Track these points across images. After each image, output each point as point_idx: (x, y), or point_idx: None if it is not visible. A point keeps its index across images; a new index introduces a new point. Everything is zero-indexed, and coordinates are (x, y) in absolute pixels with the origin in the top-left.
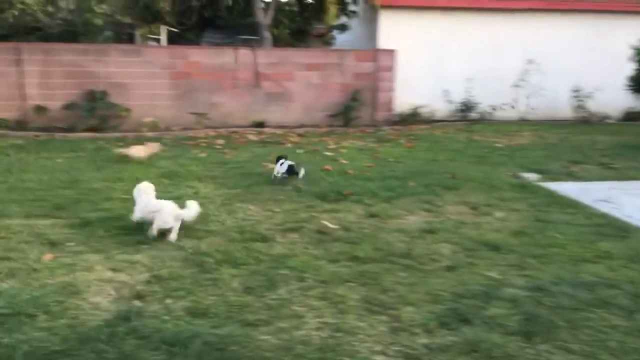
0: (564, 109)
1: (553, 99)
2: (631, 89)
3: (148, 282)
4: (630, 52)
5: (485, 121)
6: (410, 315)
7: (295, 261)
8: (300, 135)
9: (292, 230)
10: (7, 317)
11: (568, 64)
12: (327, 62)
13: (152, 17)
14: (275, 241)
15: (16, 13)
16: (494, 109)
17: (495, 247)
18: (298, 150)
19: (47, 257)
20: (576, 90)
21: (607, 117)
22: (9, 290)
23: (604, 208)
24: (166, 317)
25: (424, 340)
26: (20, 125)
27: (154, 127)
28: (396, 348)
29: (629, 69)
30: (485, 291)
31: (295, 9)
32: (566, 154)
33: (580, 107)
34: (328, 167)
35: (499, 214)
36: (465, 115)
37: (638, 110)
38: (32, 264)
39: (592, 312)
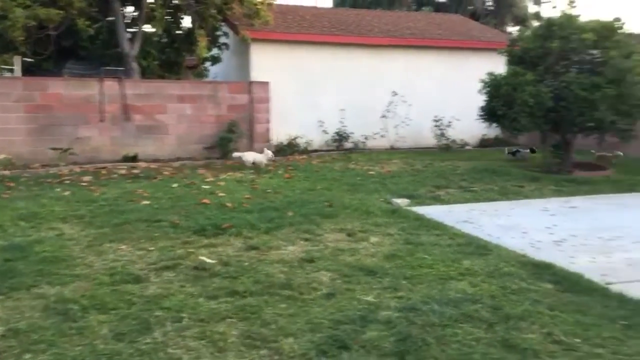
0: (428, 138)
1: (418, 129)
2: (483, 118)
3: (3, 337)
4: (480, 85)
5: (358, 150)
6: (290, 347)
7: (171, 301)
8: (176, 168)
9: (168, 268)
10: None
11: (430, 96)
12: (200, 94)
13: (4, 47)
14: (149, 281)
15: None
16: (366, 138)
17: (371, 272)
18: (173, 184)
19: None
20: (437, 120)
21: (465, 144)
22: None
23: (465, 228)
24: None
25: None
26: None
27: (7, 164)
28: None
29: (480, 100)
30: (362, 315)
31: (165, 39)
32: (431, 179)
33: (441, 136)
34: (205, 200)
35: (374, 239)
36: (340, 145)
37: (491, 137)
38: None
39: (458, 327)
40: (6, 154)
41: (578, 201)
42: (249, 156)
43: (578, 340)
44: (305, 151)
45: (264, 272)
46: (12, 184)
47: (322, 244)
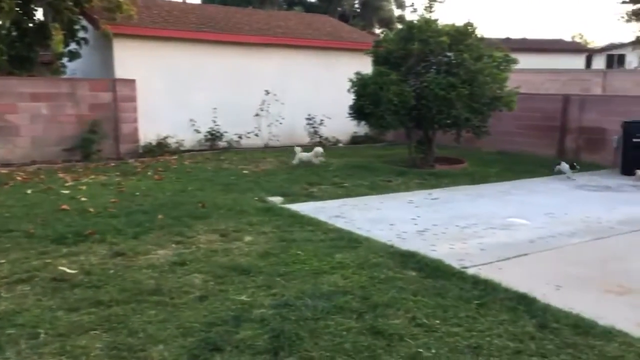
0: (302, 136)
1: (291, 127)
2: (352, 117)
3: None
4: (349, 84)
5: (232, 149)
6: (160, 354)
7: (26, 316)
8: (30, 173)
9: (22, 281)
10: None
11: (302, 94)
12: (57, 92)
13: None
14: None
15: None
16: (240, 137)
17: (245, 271)
18: (27, 190)
19: None
20: (310, 119)
21: (338, 141)
22: None
23: (338, 223)
24: None
25: None
26: None
27: None
28: None
29: (350, 99)
30: (235, 316)
31: (14, 33)
32: (305, 177)
33: (314, 134)
34: (65, 206)
35: (248, 238)
36: (213, 145)
37: (361, 135)
38: None
39: (330, 319)
40: None
41: (439, 193)
42: (299, 154)
43: (438, 321)
44: (176, 151)
45: (132, 279)
46: None
47: (195, 246)
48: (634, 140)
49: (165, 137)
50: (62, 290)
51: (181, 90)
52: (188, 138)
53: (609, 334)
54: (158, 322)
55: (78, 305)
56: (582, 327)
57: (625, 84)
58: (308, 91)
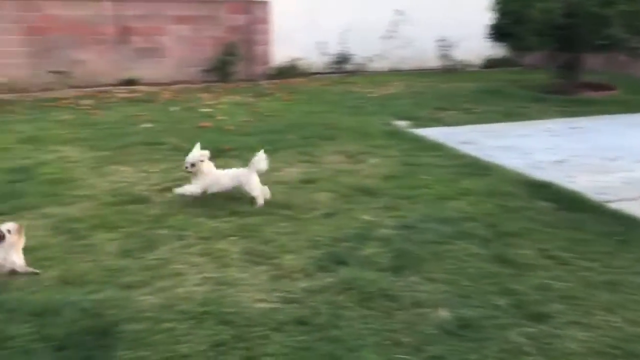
0: (431, 59)
1: (421, 50)
2: (492, 37)
3: None
4: (489, 2)
5: (360, 73)
6: (290, 263)
7: (175, 220)
8: (174, 91)
9: (170, 189)
10: None
11: (434, 14)
12: (199, 14)
13: None
14: (152, 202)
15: None
16: (369, 60)
17: (369, 192)
18: (173, 108)
19: None
20: (441, 40)
21: (470, 65)
22: None
23: (466, 149)
24: (34, 289)
25: (303, 284)
26: None
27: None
28: (278, 294)
29: (485, 18)
30: (360, 233)
31: None
32: (433, 102)
33: (445, 57)
34: (206, 123)
35: (372, 161)
36: (341, 68)
37: (497, 58)
38: None
39: (454, 244)
40: (4, 77)
41: (583, 122)
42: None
43: (572, 255)
44: (305, 74)
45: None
46: (12, 108)
47: (322, 166)
48: None
49: (296, 59)
50: (204, 199)
51: (312, 13)
52: (317, 60)
53: None
54: (288, 234)
55: (217, 214)
56: None
57: None
58: (440, 11)
